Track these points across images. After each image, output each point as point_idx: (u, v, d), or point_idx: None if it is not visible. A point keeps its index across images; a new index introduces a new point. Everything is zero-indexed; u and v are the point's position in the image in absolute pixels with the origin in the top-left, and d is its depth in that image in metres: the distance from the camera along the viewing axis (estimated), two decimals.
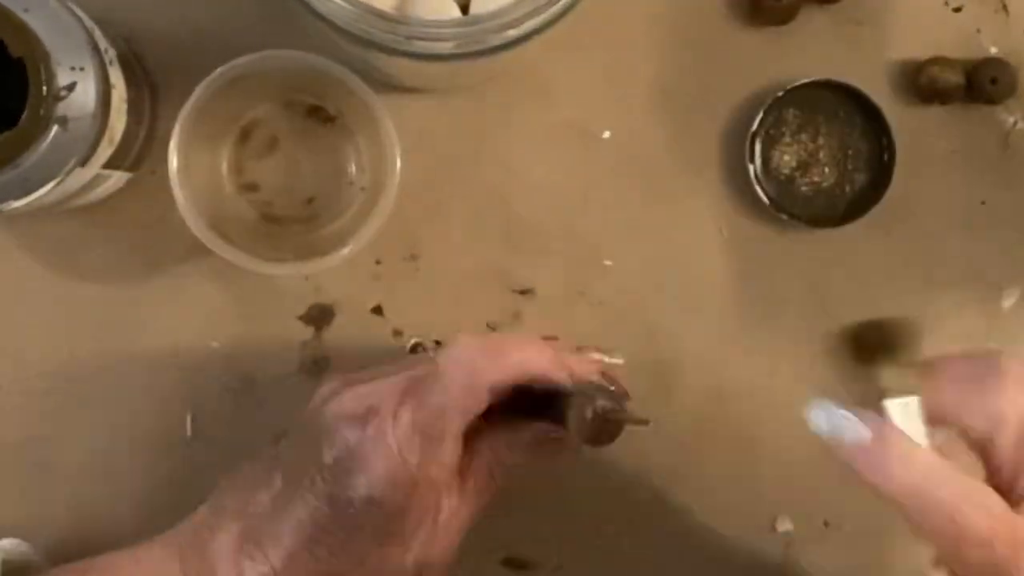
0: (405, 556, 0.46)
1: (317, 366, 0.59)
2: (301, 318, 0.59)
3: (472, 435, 0.47)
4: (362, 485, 0.45)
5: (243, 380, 0.58)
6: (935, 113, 0.60)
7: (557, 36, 0.48)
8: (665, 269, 0.59)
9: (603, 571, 0.59)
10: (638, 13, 0.59)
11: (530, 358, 0.46)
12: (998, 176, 0.60)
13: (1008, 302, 0.60)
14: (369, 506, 0.45)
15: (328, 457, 0.45)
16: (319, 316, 0.59)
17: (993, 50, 0.60)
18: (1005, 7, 0.61)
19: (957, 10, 0.60)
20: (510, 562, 0.59)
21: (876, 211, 0.59)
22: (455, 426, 0.46)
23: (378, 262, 0.59)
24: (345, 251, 0.52)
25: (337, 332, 0.59)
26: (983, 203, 0.60)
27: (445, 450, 0.46)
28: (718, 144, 0.60)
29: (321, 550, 0.45)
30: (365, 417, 0.46)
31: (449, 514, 0.47)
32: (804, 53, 0.59)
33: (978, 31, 0.60)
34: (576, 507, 0.58)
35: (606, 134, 0.60)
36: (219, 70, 0.51)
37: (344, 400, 0.47)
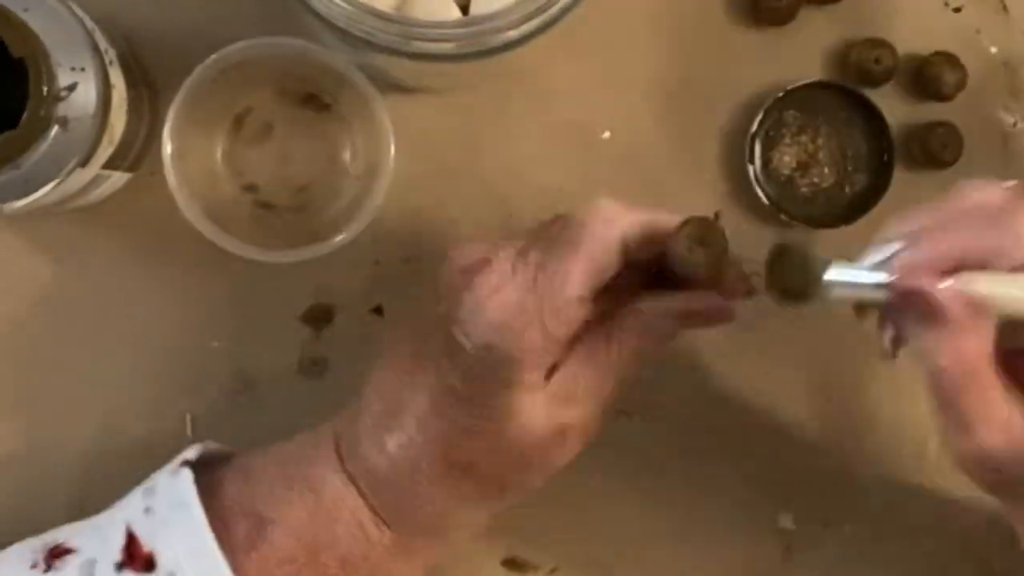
0: (534, 407, 0.45)
1: (316, 367, 0.59)
2: (301, 318, 0.59)
3: (607, 304, 0.47)
4: (475, 336, 0.45)
5: (243, 380, 0.58)
6: (936, 113, 0.60)
7: (557, 37, 0.48)
8: None
9: (601, 572, 0.59)
10: (638, 13, 0.60)
11: (662, 215, 0.46)
12: (998, 177, 0.59)
13: None
14: (484, 352, 0.45)
15: (442, 308, 0.46)
16: (319, 316, 0.59)
17: (993, 50, 0.60)
18: (1005, 7, 0.61)
19: (957, 10, 0.61)
20: (509, 563, 0.59)
21: (876, 212, 0.59)
22: (583, 276, 0.45)
23: (377, 263, 0.59)
24: (340, 238, 0.52)
25: (337, 333, 0.59)
26: None
27: (569, 304, 0.45)
28: (718, 144, 0.60)
29: (448, 408, 0.45)
30: (476, 268, 0.46)
31: (571, 378, 0.46)
32: (804, 53, 0.60)
33: (978, 32, 0.60)
34: (575, 507, 0.58)
35: (606, 134, 0.60)
36: (213, 57, 0.51)
37: (458, 256, 0.47)
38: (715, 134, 0.60)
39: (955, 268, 0.43)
